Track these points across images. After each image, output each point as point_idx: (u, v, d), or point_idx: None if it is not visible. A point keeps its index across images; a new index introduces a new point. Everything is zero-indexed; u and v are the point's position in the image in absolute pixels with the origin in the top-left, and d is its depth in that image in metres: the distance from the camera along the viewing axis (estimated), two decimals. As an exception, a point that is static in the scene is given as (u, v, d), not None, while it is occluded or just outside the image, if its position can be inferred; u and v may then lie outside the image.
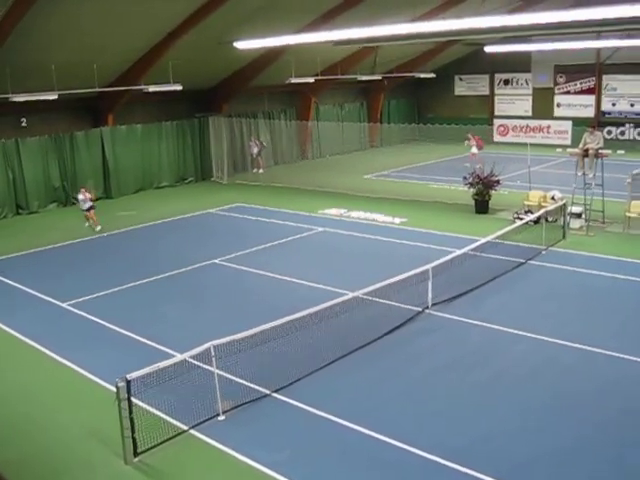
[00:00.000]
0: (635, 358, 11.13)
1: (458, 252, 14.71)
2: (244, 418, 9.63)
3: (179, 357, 9.64)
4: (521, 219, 18.38)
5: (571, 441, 8.82)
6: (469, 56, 40.53)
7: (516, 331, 12.38)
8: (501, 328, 12.53)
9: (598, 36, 30.36)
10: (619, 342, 11.74)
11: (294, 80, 29.85)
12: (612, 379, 10.55)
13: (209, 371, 9.65)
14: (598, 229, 19.40)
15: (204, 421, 9.45)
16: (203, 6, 22.43)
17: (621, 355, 11.26)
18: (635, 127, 38.23)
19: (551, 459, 8.44)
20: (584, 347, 11.62)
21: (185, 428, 9.33)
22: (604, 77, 38.71)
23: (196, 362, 9.82)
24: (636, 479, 8.06)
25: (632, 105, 38.26)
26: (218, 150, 31.17)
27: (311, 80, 31.56)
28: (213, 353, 9.52)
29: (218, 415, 9.61)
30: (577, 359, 11.31)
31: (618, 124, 38.45)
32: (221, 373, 9.74)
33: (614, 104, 38.83)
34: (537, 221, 18.17)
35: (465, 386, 10.43)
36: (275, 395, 10.23)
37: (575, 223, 19.35)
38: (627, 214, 19.56)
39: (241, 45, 21.39)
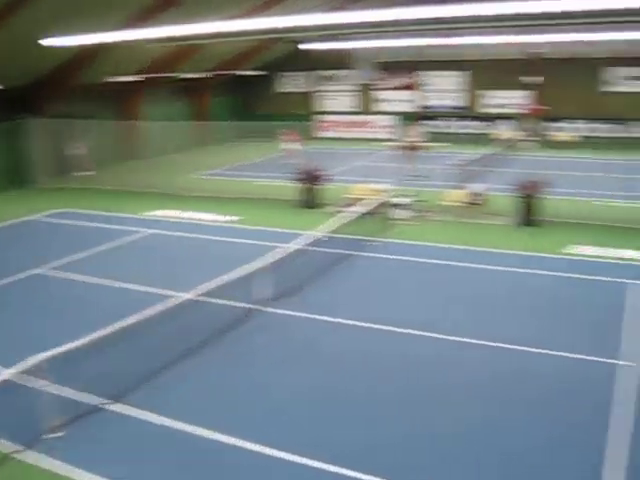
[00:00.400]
0: (458, 338, 11.76)
1: (290, 247, 14.84)
2: (81, 433, 9.19)
3: (6, 373, 9.06)
4: (346, 212, 18.74)
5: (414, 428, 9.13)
6: (293, 53, 40.99)
7: (351, 321, 12.65)
8: (336, 320, 12.77)
9: (416, 34, 31.59)
10: (450, 325, 12.31)
11: (115, 79, 28.96)
12: (445, 360, 11.05)
13: (40, 386, 9.13)
14: (424, 218, 20.24)
15: (37, 441, 8.93)
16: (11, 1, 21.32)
17: (450, 337, 11.83)
18: (453, 120, 40.34)
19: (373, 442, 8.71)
20: (415, 332, 12.07)
21: (16, 449, 8.79)
22: (424, 73, 40.51)
23: (25, 377, 9.26)
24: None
25: (451, 100, 40.35)
26: (40, 153, 29.67)
27: (133, 78, 30.74)
28: (43, 366, 9.02)
29: (52, 433, 9.11)
30: (410, 344, 11.72)
31: (438, 118, 40.39)
32: (53, 387, 9.24)
33: (435, 99, 40.75)
34: (367, 213, 18.67)
35: (304, 381, 10.52)
36: (112, 406, 9.85)
37: (402, 214, 20.07)
38: (443, 203, 20.69)
39: (47, 42, 20.12)
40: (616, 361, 10.87)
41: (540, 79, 37.34)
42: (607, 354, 11.11)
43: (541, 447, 8.55)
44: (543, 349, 11.36)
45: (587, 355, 11.12)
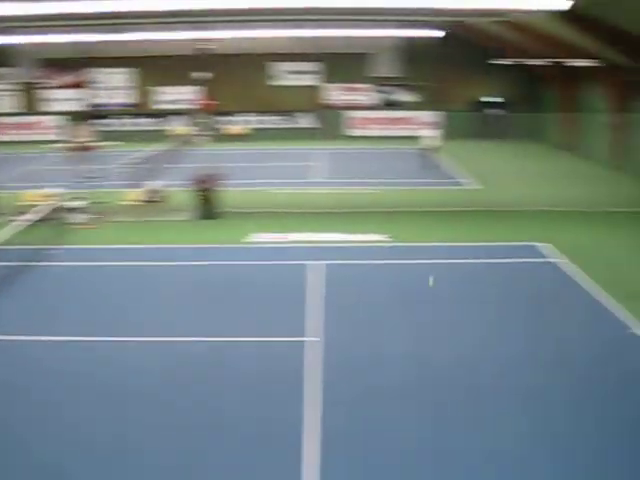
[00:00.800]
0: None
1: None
2: None
3: None
4: (18, 221, 17.46)
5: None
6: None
7: (45, 337, 11.72)
8: (24, 338, 11.75)
9: (82, 29, 30.41)
10: (138, 325, 12.00)
11: None
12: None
13: None
14: (103, 221, 19.56)
15: None
16: None
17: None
18: (125, 118, 39.72)
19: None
20: (98, 339, 11.59)
21: None
22: (93, 70, 39.27)
23: None
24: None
25: (121, 97, 39.62)
26: None
27: None
28: None
29: None
30: (97, 350, 11.21)
31: (109, 116, 39.48)
32: None
33: (105, 97, 39.73)
34: (42, 220, 17.56)
35: None
36: None
37: (79, 217, 19.23)
38: (121, 203, 20.34)
39: None
40: (303, 338, 11.39)
41: (210, 75, 38.09)
42: (294, 333, 11.60)
43: (246, 423, 8.76)
44: (233, 337, 11.53)
45: (276, 337, 11.50)
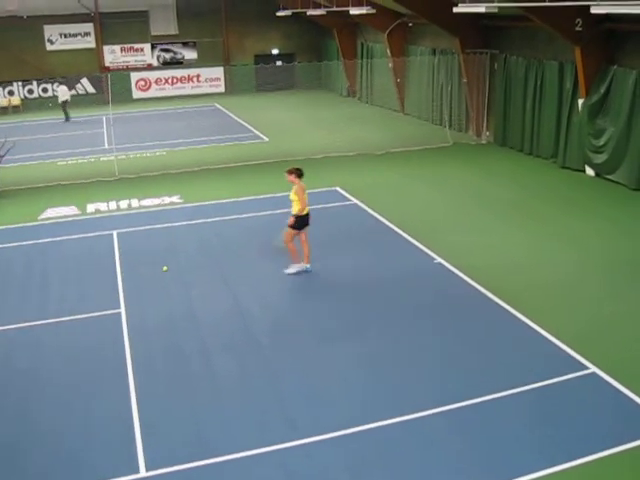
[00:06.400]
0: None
1: None
2: None
3: None
4: None
5: None
6: None
7: None
8: None
9: None
10: None
11: None
12: None
13: None
14: None
15: None
16: None
17: None
18: None
19: None
20: None
21: None
22: None
23: None
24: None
25: None
26: None
27: None
28: None
29: None
30: None
31: None
32: None
33: None
34: None
35: None
36: None
37: None
38: None
39: None
40: (118, 310, 11.44)
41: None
42: (95, 308, 11.56)
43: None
44: (40, 320, 11.27)
45: (78, 314, 11.38)
